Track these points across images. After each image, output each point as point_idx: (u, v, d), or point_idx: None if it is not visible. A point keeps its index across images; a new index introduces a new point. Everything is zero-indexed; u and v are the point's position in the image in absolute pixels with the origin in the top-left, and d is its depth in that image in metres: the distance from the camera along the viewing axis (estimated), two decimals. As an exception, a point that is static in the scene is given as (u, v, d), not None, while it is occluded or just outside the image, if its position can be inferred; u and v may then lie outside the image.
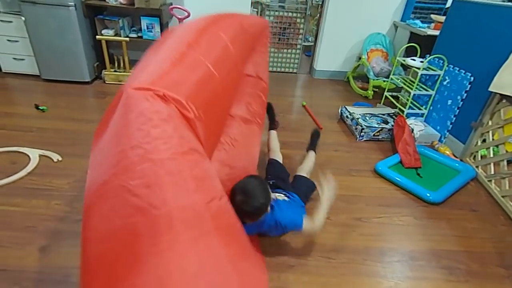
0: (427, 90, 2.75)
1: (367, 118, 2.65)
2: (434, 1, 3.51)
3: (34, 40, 2.97)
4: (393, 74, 3.10)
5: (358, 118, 2.61)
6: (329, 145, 2.43)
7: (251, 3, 3.60)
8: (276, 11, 3.81)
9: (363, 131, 2.51)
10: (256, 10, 6.04)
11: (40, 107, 2.58)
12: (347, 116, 2.76)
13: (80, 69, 3.08)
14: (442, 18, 2.97)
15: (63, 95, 2.93)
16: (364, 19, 3.64)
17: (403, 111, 2.82)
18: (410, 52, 3.04)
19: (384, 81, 3.34)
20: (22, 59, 3.15)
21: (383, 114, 2.76)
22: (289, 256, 1.47)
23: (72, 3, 2.81)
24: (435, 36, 2.84)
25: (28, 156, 1.98)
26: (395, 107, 2.97)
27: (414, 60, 2.80)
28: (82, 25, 2.97)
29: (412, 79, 2.84)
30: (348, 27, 3.69)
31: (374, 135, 2.54)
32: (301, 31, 3.91)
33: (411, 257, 1.53)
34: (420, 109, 2.84)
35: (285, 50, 4.02)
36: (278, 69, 4.15)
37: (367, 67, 3.48)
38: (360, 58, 3.65)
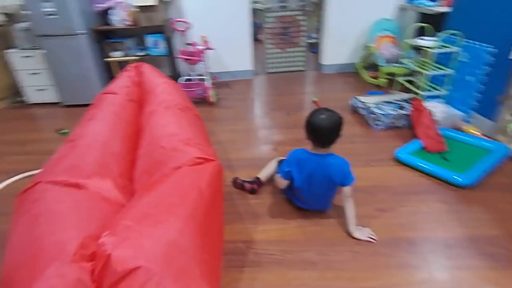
0: (443, 70, 2.60)
1: (382, 106, 2.54)
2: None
3: (53, 70, 3.14)
4: (405, 58, 2.97)
5: (372, 107, 2.51)
6: (344, 137, 2.28)
7: (251, 9, 3.63)
8: (276, 11, 3.80)
9: (378, 119, 2.40)
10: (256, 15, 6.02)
11: (62, 131, 2.70)
12: (360, 107, 2.67)
13: (95, 92, 3.15)
14: (452, -6, 2.82)
15: (82, 118, 3.05)
16: (367, 7, 3.54)
17: (420, 95, 2.68)
18: (420, 34, 2.91)
19: (396, 66, 3.21)
20: (45, 89, 3.32)
21: (399, 100, 2.64)
22: (311, 252, 1.40)
23: (83, 31, 2.95)
24: (445, 13, 2.70)
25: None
26: (411, 91, 2.84)
27: (424, 39, 2.67)
28: (93, 50, 3.10)
29: (426, 60, 2.71)
30: (351, 17, 3.61)
31: (391, 122, 2.43)
32: (303, 28, 3.87)
33: (446, 245, 1.41)
34: (438, 90, 2.69)
35: (289, 49, 3.99)
36: (285, 69, 4.11)
37: (375, 55, 3.36)
38: (367, 47, 3.55)
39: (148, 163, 1.43)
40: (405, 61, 2.92)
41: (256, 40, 5.72)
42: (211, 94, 3.09)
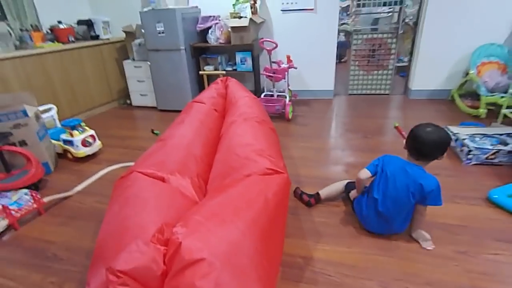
0: None
1: (477, 139, 2.25)
2: None
3: (154, 79, 3.68)
4: (514, 88, 2.59)
5: (464, 139, 2.25)
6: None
7: (338, 31, 3.65)
8: (365, 34, 3.75)
9: (470, 153, 2.14)
10: (343, 34, 6.04)
11: (154, 132, 3.12)
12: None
13: (186, 100, 3.57)
14: None
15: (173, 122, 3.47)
16: (471, 30, 3.23)
17: (530, 131, 2.30)
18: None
19: (502, 97, 2.82)
20: (146, 95, 3.92)
21: (501, 135, 2.31)
22: (372, 281, 1.32)
23: (183, 47, 3.40)
24: None
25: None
26: (519, 126, 2.45)
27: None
28: (189, 64, 3.54)
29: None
30: (451, 41, 3.33)
31: (487, 158, 2.13)
32: (392, 51, 3.72)
33: (547, 310, 1.18)
34: (557, 127, 2.27)
35: (375, 72, 3.86)
36: (368, 92, 3.99)
37: (476, 82, 3.01)
38: (467, 74, 3.20)
39: (222, 167, 1.55)
40: (514, 91, 2.55)
41: (340, 61, 5.71)
42: (289, 111, 3.19)
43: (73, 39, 3.58)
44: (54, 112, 2.90)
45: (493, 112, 2.93)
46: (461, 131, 2.37)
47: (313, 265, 1.43)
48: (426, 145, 1.38)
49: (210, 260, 0.89)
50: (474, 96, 3.20)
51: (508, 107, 2.64)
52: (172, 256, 0.94)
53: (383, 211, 1.47)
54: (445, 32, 3.32)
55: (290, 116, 3.22)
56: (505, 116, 2.63)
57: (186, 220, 1.06)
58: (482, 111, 2.93)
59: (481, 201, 1.80)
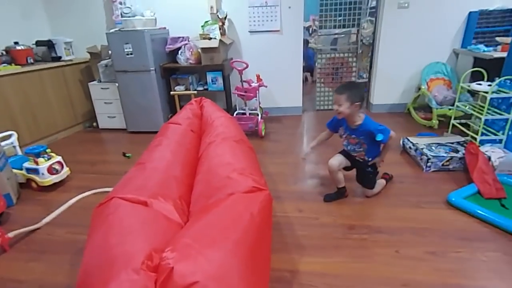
0: (501, 114, 2.52)
1: (433, 147, 2.50)
2: (498, 24, 3.35)
3: (123, 101, 3.59)
4: (459, 101, 2.93)
5: (422, 148, 2.48)
6: (393, 177, 2.33)
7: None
8: (328, 53, 4.02)
9: (429, 161, 2.36)
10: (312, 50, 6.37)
11: (126, 155, 3.04)
12: (410, 147, 2.65)
13: (157, 121, 3.57)
14: (509, 39, 2.81)
15: (144, 143, 3.34)
16: (420, 50, 3.62)
17: (475, 139, 2.60)
18: (476, 78, 2.88)
19: (449, 109, 3.16)
20: (114, 117, 3.81)
21: (452, 143, 2.58)
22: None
23: (153, 68, 3.40)
24: (503, 59, 2.67)
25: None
26: (466, 135, 2.76)
27: (480, 84, 2.64)
28: (159, 84, 3.52)
29: (482, 104, 2.65)
30: (403, 60, 3.69)
31: (443, 164, 2.37)
32: (353, 69, 4.02)
33: (504, 298, 1.34)
34: (496, 135, 2.59)
35: (339, 88, 4.13)
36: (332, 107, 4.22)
37: (428, 96, 3.35)
38: (419, 89, 3.55)
39: (205, 188, 1.56)
40: (459, 104, 2.88)
41: (309, 77, 5.99)
42: (262, 128, 3.29)
43: (32, 60, 3.42)
44: (14, 139, 2.72)
45: (444, 122, 3.27)
46: (419, 141, 2.62)
47: (300, 277, 1.48)
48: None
49: (204, 283, 0.90)
50: (427, 109, 3.56)
51: (455, 118, 2.97)
52: (165, 282, 0.93)
53: None
54: (398, 51, 3.68)
55: (263, 133, 3.32)
56: (454, 126, 2.95)
57: (175, 244, 1.05)
58: (435, 122, 3.26)
59: (442, 204, 1.99)
